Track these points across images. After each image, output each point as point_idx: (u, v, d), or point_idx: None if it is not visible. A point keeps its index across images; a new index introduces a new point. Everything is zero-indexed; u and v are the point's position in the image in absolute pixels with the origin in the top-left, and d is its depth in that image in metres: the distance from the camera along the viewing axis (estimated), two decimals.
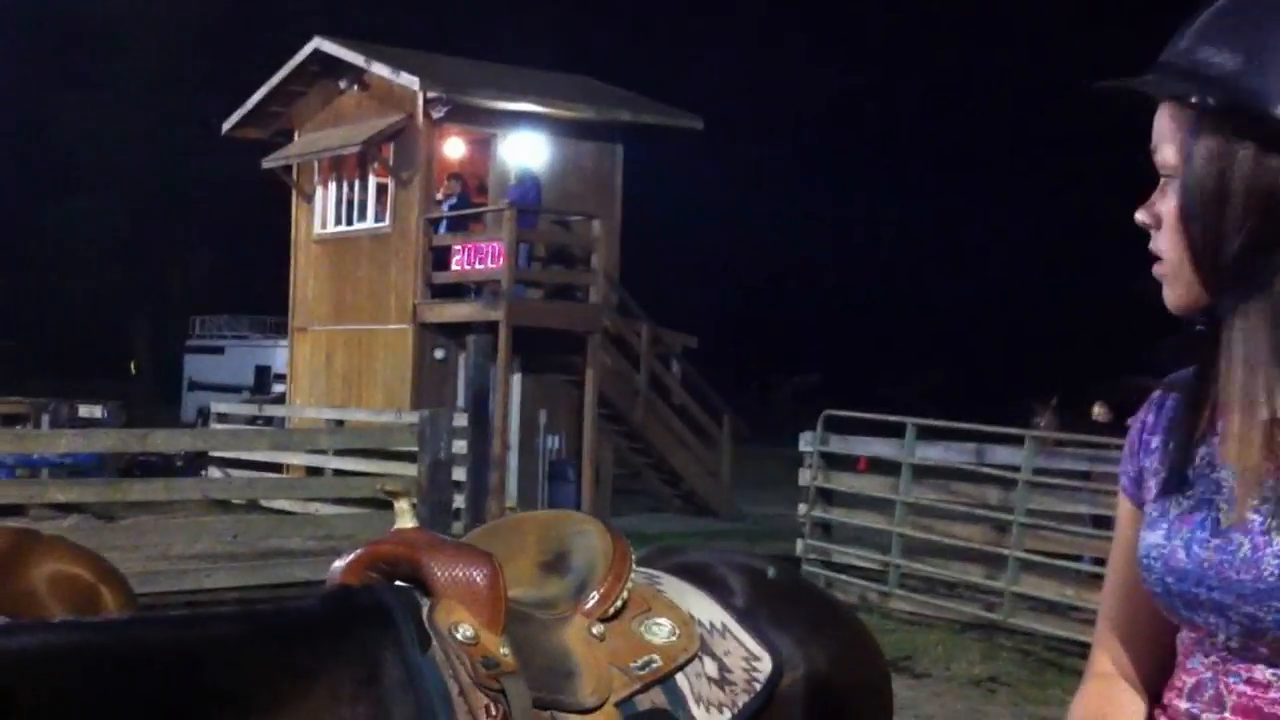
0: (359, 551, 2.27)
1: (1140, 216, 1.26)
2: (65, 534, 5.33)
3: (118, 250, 32.60)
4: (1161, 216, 1.24)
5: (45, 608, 3.22)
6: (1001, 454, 8.49)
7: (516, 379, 15.00)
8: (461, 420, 8.77)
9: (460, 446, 8.48)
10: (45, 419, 13.11)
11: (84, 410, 14.06)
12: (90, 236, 32.26)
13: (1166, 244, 1.24)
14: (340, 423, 13.82)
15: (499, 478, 12.80)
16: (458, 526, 8.19)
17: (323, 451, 12.85)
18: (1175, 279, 1.24)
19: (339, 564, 2.28)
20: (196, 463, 14.93)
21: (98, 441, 8.23)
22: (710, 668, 2.30)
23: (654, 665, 2.25)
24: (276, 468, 14.44)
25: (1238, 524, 1.19)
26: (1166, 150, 1.23)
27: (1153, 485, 1.30)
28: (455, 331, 14.65)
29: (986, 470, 8.56)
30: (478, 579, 2.15)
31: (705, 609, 2.36)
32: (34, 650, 1.82)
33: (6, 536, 3.51)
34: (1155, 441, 1.32)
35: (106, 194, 32.06)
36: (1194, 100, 1.20)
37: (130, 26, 31.52)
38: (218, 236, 32.59)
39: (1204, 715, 1.24)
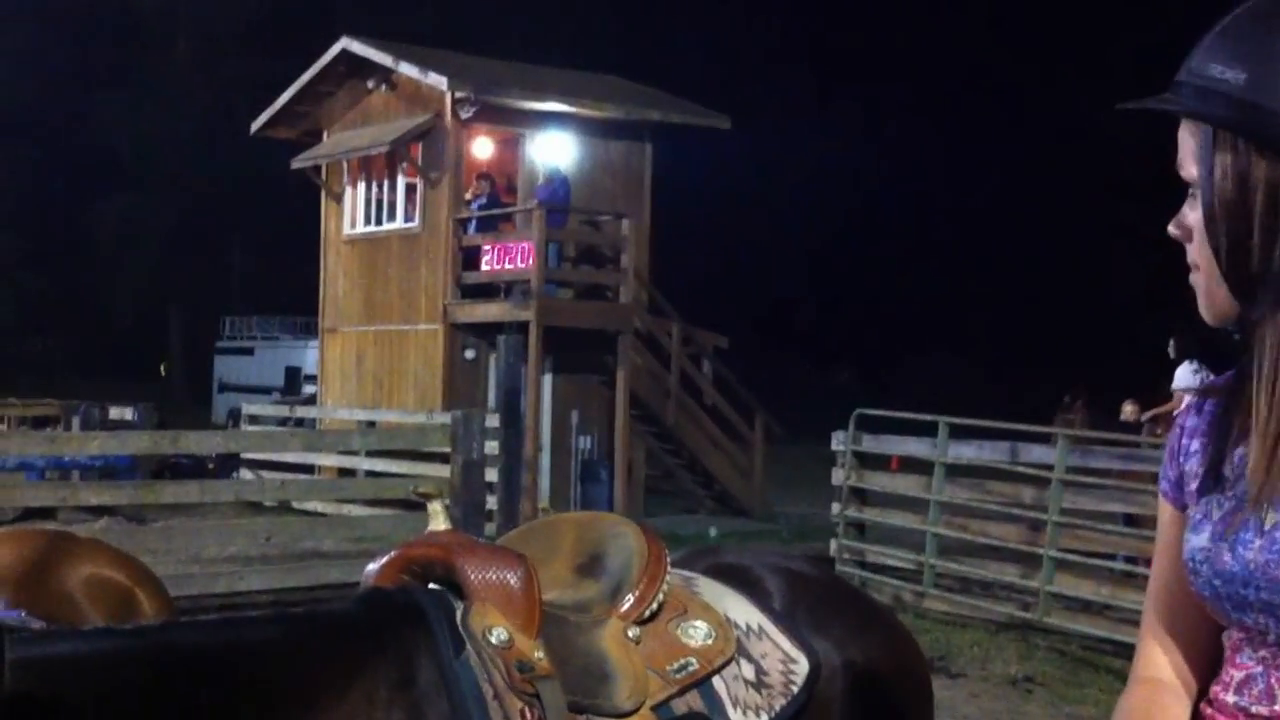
0: (392, 554, 2.28)
1: (1172, 230, 1.30)
2: (98, 536, 5.34)
3: (148, 251, 32.91)
4: (1191, 229, 1.28)
5: (81, 611, 3.22)
6: (1035, 452, 8.43)
7: (548, 379, 14.99)
8: (493, 421, 8.75)
9: (492, 447, 8.46)
10: (75, 420, 13.19)
11: (114, 412, 14.13)
12: (121, 237, 32.58)
13: (1197, 255, 1.28)
14: (372, 424, 13.83)
15: (531, 478, 12.78)
16: (490, 528, 8.18)
17: (354, 453, 12.86)
18: (1207, 289, 1.28)
19: (373, 566, 2.29)
20: (228, 464, 15.00)
21: (130, 443, 8.28)
22: (747, 670, 2.29)
23: (691, 668, 2.24)
24: (308, 469, 14.49)
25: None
26: (1189, 164, 1.28)
27: (1194, 488, 1.32)
28: (486, 331, 14.66)
29: (1020, 469, 8.47)
30: (512, 581, 2.15)
31: (742, 611, 2.36)
32: (72, 657, 1.84)
33: (41, 539, 3.51)
34: (1195, 445, 1.34)
35: (138, 195, 32.38)
36: (1207, 116, 1.24)
37: (169, 26, 31.83)
38: (248, 237, 32.85)
39: (1254, 709, 1.25)
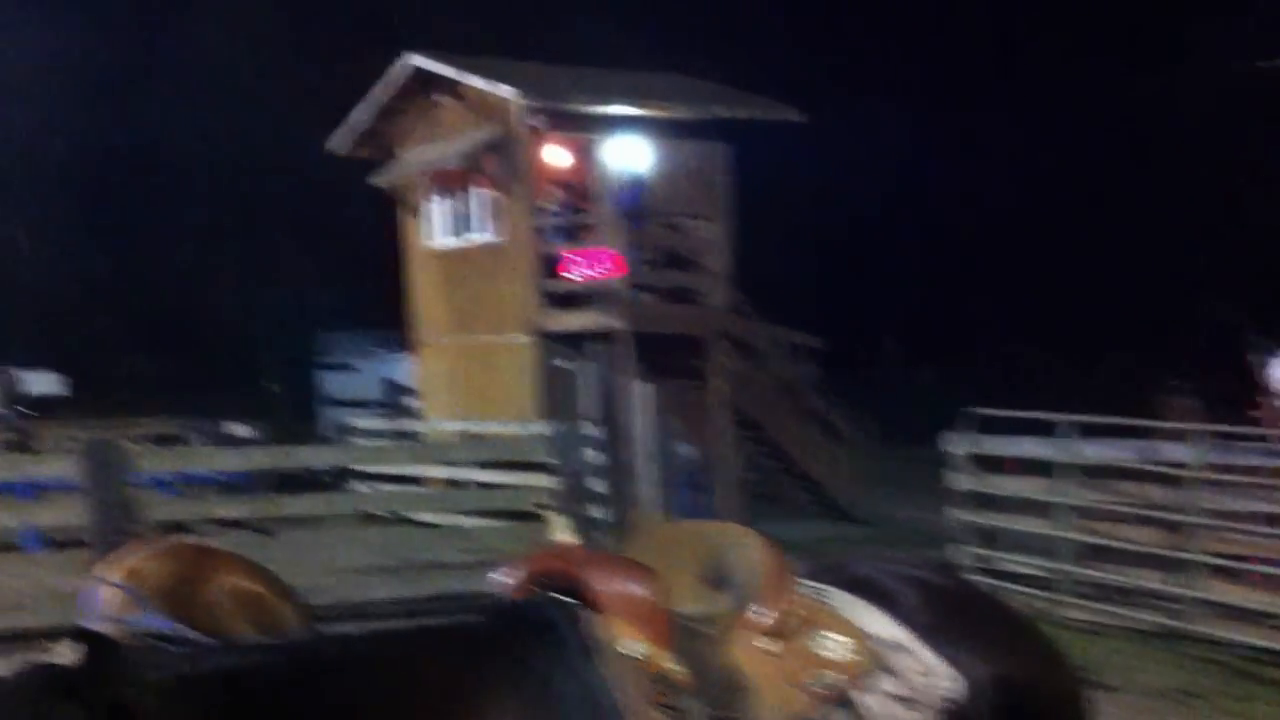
0: (520, 565, 2.28)
1: None
2: (232, 549, 5.51)
3: (241, 273, 33.78)
4: None
5: (228, 622, 3.32)
6: (1167, 450, 7.95)
7: (642, 386, 14.93)
8: (593, 430, 8.78)
9: (592, 456, 8.48)
10: (196, 438, 13.61)
11: (232, 429, 14.52)
12: (206, 257, 33.53)
13: None
14: (473, 435, 13.92)
15: (635, 488, 12.77)
16: (598, 538, 8.19)
17: (460, 464, 12.99)
18: None
19: (501, 578, 2.29)
20: (340, 477, 15.26)
21: (253, 459, 8.55)
22: (888, 684, 2.25)
23: (829, 681, 2.21)
24: (412, 480, 14.68)
25: None
26: None
27: None
28: (576, 340, 14.67)
29: (1153, 468, 7.97)
30: (640, 593, 2.16)
31: (878, 624, 2.32)
32: (230, 669, 1.92)
33: (188, 552, 3.61)
34: None
35: (217, 216, 33.31)
36: None
37: (242, 49, 32.64)
38: (335, 253, 33.37)
39: None
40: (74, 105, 31.06)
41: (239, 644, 2.55)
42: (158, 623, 2.86)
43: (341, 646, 2.11)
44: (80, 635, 1.81)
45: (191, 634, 2.81)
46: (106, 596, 3.16)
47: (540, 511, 8.00)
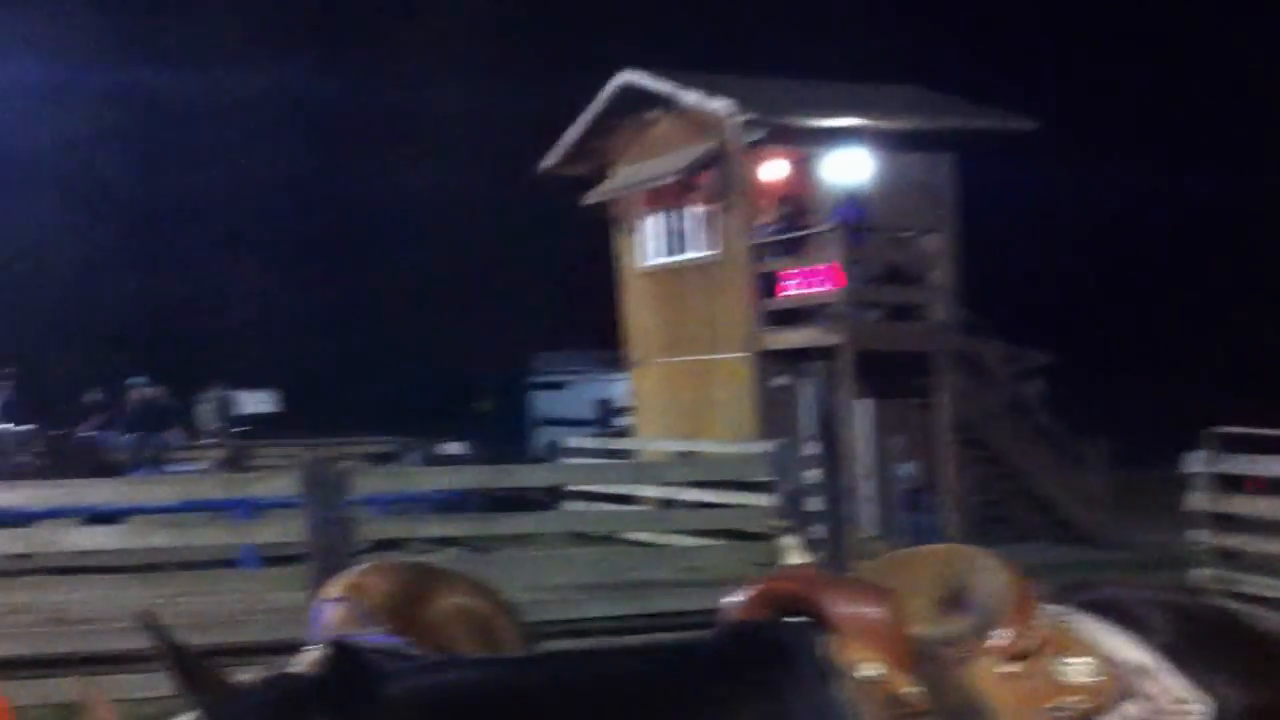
0: (756, 587, 2.23)
1: None
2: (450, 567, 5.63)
3: (455, 295, 35.24)
4: None
5: (450, 639, 3.35)
6: None
7: (864, 404, 14.59)
8: (813, 449, 8.60)
9: (811, 476, 8.31)
10: (412, 457, 14.17)
11: (445, 448, 15.01)
12: (426, 284, 35.13)
13: None
14: (687, 454, 13.95)
15: (855, 508, 12.48)
16: (820, 558, 8.00)
17: (674, 484, 13.02)
18: None
19: (735, 600, 2.24)
20: (552, 496, 15.60)
21: (468, 477, 8.79)
22: (1135, 711, 2.17)
23: (1073, 708, 2.14)
24: (624, 499, 14.84)
25: None
26: None
27: None
28: (794, 358, 14.49)
29: None
30: (878, 616, 2.12)
31: (1125, 648, 2.23)
32: (474, 684, 1.93)
33: (410, 571, 3.68)
34: None
35: (443, 243, 34.87)
36: None
37: (449, 81, 34.12)
38: (549, 274, 34.37)
39: None
40: (297, 149, 33.40)
41: (479, 659, 2.57)
42: (383, 638, 2.90)
43: (580, 663, 2.13)
44: (329, 646, 1.81)
45: (417, 650, 2.84)
46: (331, 613, 3.24)
47: (767, 531, 7.89)
